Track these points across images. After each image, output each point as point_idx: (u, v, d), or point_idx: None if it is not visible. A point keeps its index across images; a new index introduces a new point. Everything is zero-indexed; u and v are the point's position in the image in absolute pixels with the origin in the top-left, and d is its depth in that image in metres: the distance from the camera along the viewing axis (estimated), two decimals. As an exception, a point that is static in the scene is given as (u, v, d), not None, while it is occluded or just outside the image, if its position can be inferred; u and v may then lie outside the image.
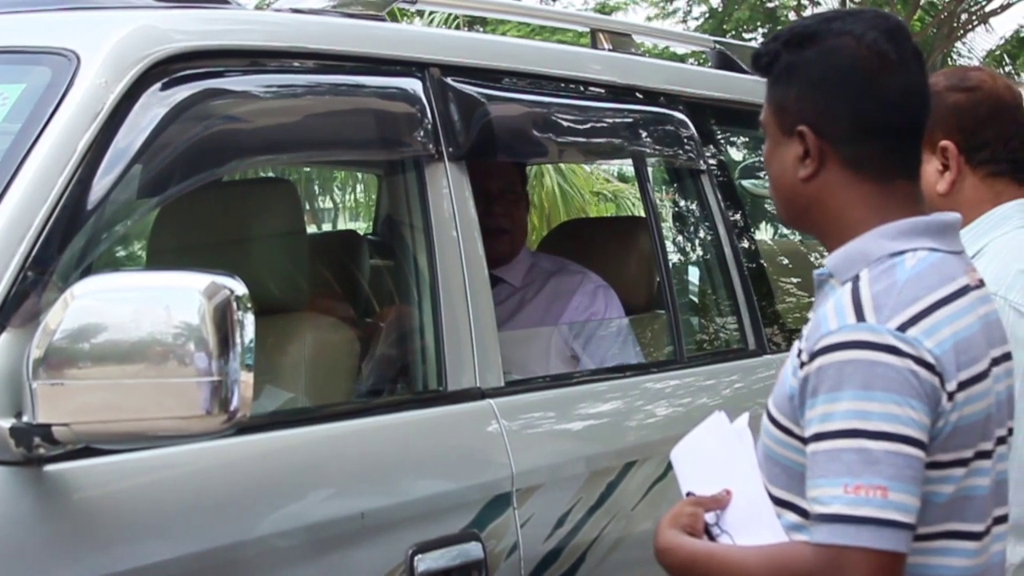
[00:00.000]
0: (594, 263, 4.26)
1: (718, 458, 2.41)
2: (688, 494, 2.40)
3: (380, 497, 2.87)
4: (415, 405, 3.14)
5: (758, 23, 23.62)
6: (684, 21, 24.69)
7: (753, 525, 2.28)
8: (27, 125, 2.53)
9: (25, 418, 2.25)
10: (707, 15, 24.26)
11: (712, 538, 2.31)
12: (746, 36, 22.78)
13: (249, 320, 2.29)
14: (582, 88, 3.84)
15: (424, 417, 3.09)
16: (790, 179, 2.28)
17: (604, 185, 15.01)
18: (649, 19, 24.53)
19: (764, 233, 5.76)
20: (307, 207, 11.90)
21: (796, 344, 2.24)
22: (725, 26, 23.18)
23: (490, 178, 4.04)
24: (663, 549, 2.31)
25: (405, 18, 12.08)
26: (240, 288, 2.28)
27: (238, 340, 2.27)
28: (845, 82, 2.23)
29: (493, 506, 3.07)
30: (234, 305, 2.26)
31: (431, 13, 13.11)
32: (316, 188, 12.02)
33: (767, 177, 2.37)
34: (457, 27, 12.70)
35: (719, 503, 2.33)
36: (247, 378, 2.28)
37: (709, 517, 2.32)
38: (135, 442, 2.36)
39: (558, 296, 4.15)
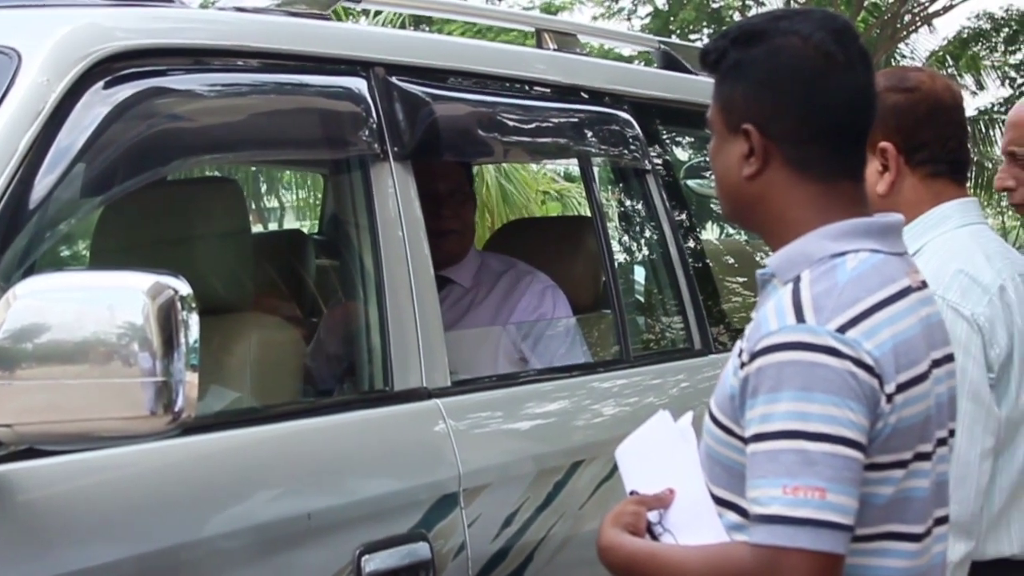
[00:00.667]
0: (540, 263, 4.27)
1: (662, 457, 2.41)
2: (632, 492, 2.40)
3: (327, 497, 2.86)
4: (361, 405, 3.13)
5: (703, 24, 23.71)
6: (629, 20, 24.75)
7: (695, 525, 2.28)
8: None
9: (-33, 419, 2.23)
10: (652, 15, 24.32)
11: (655, 537, 2.31)
12: (692, 37, 22.86)
13: (194, 320, 2.28)
14: (527, 88, 3.84)
15: (370, 417, 3.08)
16: (734, 177, 2.29)
17: (550, 184, 15.04)
18: (595, 19, 24.57)
19: (710, 233, 5.78)
20: (253, 207, 11.85)
21: (738, 344, 2.24)
22: (671, 26, 23.26)
23: (438, 179, 4.04)
24: (605, 547, 2.31)
25: (350, 17, 12.05)
26: (184, 288, 2.27)
27: (182, 340, 2.25)
28: (791, 82, 2.23)
29: (440, 506, 3.06)
30: (178, 305, 2.25)
31: (376, 13, 13.09)
32: (262, 187, 11.97)
33: (712, 175, 2.37)
34: (403, 27, 12.67)
35: (662, 502, 2.33)
36: (192, 378, 2.27)
37: (652, 516, 2.33)
38: (79, 443, 2.33)
39: (507, 296, 4.15)
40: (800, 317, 2.13)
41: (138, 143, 2.73)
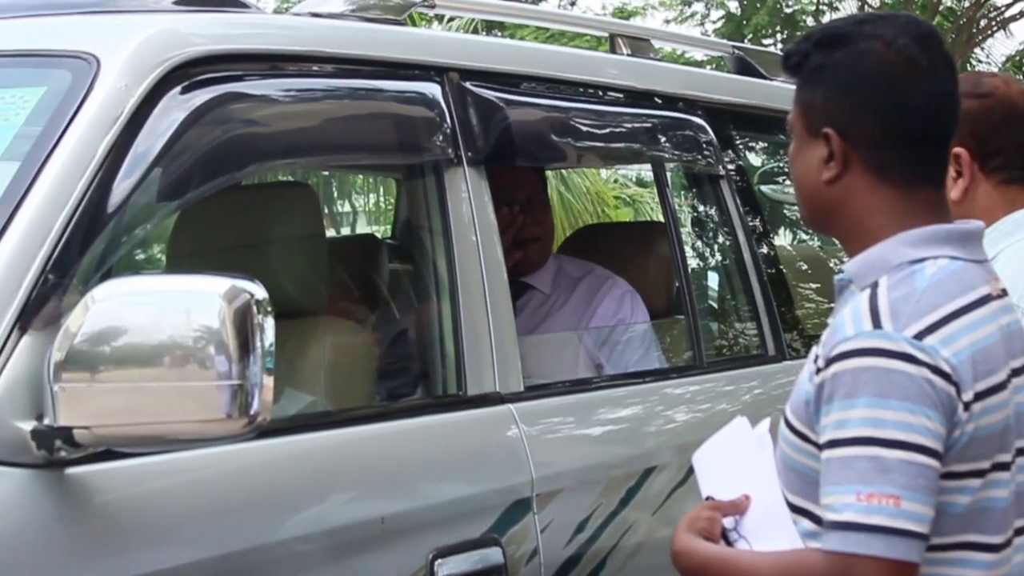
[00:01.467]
0: (613, 268, 4.25)
1: (738, 463, 2.40)
2: (708, 498, 2.39)
3: (400, 501, 2.87)
4: (435, 409, 3.13)
5: (776, 28, 23.57)
6: (702, 25, 24.65)
7: (770, 531, 2.27)
8: (47, 128, 2.53)
9: (46, 421, 2.24)
10: (725, 19, 24.21)
11: (730, 543, 2.30)
12: (764, 41, 22.73)
13: (269, 324, 2.29)
14: (600, 93, 3.84)
15: (444, 421, 3.09)
16: (813, 181, 2.27)
17: (622, 189, 15.01)
18: (667, 23, 24.49)
19: (784, 238, 5.75)
20: (326, 211, 11.90)
21: (814, 349, 2.22)
22: (743, 30, 23.13)
23: (516, 188, 4.04)
24: (679, 553, 2.30)
25: (423, 22, 12.09)
26: (260, 292, 2.28)
27: (258, 344, 2.26)
28: (872, 86, 2.22)
29: (513, 511, 3.06)
30: (254, 309, 2.26)
31: (450, 18, 13.12)
32: (335, 192, 12.03)
33: (791, 179, 2.36)
34: (475, 32, 12.69)
35: (738, 508, 2.32)
36: (267, 382, 2.27)
37: (727, 522, 2.31)
38: (155, 445, 2.35)
39: (586, 302, 4.15)
40: (877, 323, 2.11)
41: (214, 148, 2.75)
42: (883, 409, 2.06)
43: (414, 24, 4.00)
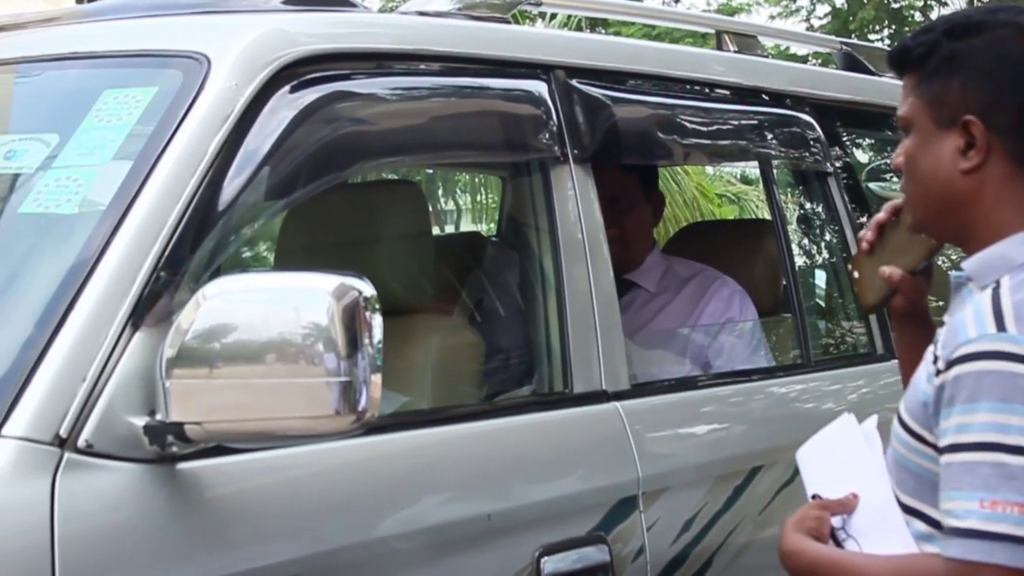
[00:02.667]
0: (719, 266, 4.23)
1: (845, 461, 2.37)
2: (814, 496, 2.36)
3: (506, 499, 2.87)
4: (541, 407, 3.13)
5: (883, 23, 23.31)
6: (807, 21, 24.42)
7: (880, 532, 2.23)
8: (159, 127, 2.56)
9: (158, 416, 2.27)
10: (831, 15, 23.97)
11: (838, 543, 2.27)
12: (871, 36, 22.47)
13: (377, 321, 2.30)
14: (706, 90, 3.81)
15: (550, 419, 3.08)
16: (947, 173, 2.22)
17: (727, 187, 14.90)
18: (772, 18, 24.30)
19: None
20: (431, 209, 11.92)
21: (931, 349, 2.18)
22: (849, 26, 22.88)
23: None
24: (788, 553, 2.28)
25: (527, 20, 12.09)
26: (368, 289, 2.29)
27: (366, 341, 2.27)
28: (1015, 71, 2.18)
29: (619, 509, 3.06)
30: (363, 306, 2.27)
31: (552, 16, 13.11)
32: (439, 190, 12.07)
33: (905, 175, 2.31)
34: (579, 29, 12.67)
35: (846, 507, 2.29)
36: (376, 379, 2.28)
37: (835, 521, 2.29)
38: (265, 441, 2.38)
39: (695, 301, 4.12)
40: (1001, 326, 2.06)
41: (321, 146, 2.77)
42: (1007, 414, 2.02)
43: (518, 22, 4.01)
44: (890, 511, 2.23)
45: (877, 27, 23.34)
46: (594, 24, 15.33)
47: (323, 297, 2.27)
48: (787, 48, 14.11)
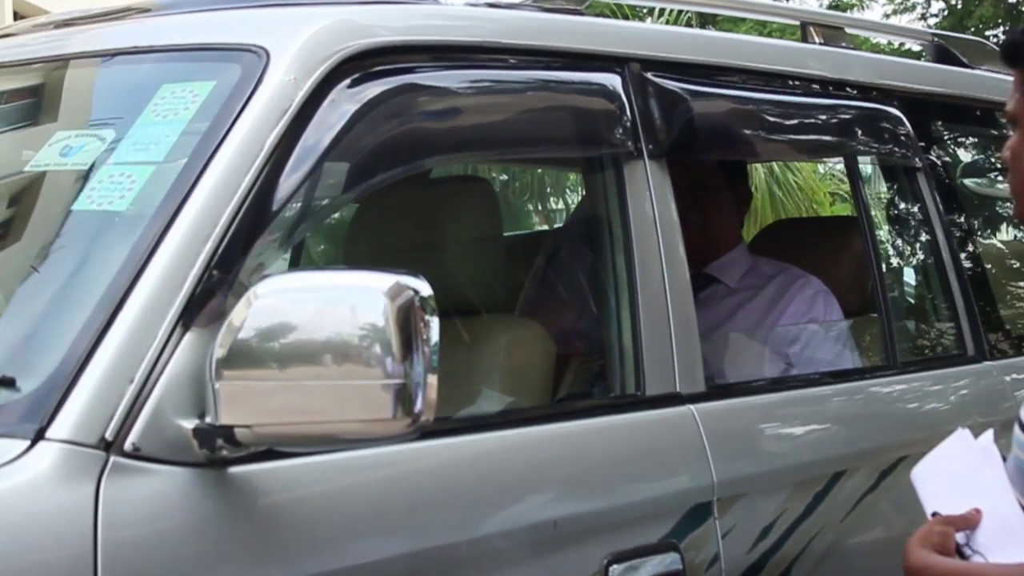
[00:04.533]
0: (805, 264, 4.11)
1: (965, 476, 2.30)
2: (934, 514, 2.28)
3: (575, 504, 2.79)
4: (613, 410, 3.03)
5: (999, 20, 22.89)
6: (923, 19, 24.04)
7: (1007, 543, 2.18)
8: (215, 123, 2.50)
9: (208, 419, 2.20)
10: (946, 12, 23.58)
11: (964, 559, 2.20)
12: (988, 33, 22.07)
13: (434, 322, 2.22)
14: (788, 82, 3.70)
15: (622, 422, 2.99)
16: None
17: (838, 185, 14.70)
18: (886, 16, 23.95)
19: (999, 234, 5.49)
20: (539, 207, 11.92)
21: None
22: (966, 22, 22.48)
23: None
24: (915, 568, 2.20)
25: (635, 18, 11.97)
26: (425, 288, 2.21)
27: (422, 342, 2.20)
28: None
29: (693, 516, 2.96)
30: (418, 306, 2.19)
31: (661, 12, 12.94)
32: (548, 189, 12.00)
33: (1009, 172, 2.21)
34: (689, 26, 12.53)
35: (969, 523, 2.22)
36: (432, 381, 2.21)
37: (959, 537, 2.22)
38: (318, 445, 2.30)
39: (776, 301, 4.00)
40: None
41: (383, 142, 2.69)
42: None
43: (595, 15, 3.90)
44: (1016, 522, 2.17)
45: (994, 24, 22.94)
46: (704, 21, 15.17)
47: (378, 297, 2.19)
48: (901, 45, 13.83)
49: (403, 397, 2.19)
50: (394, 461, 2.50)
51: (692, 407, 3.07)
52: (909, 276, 4.35)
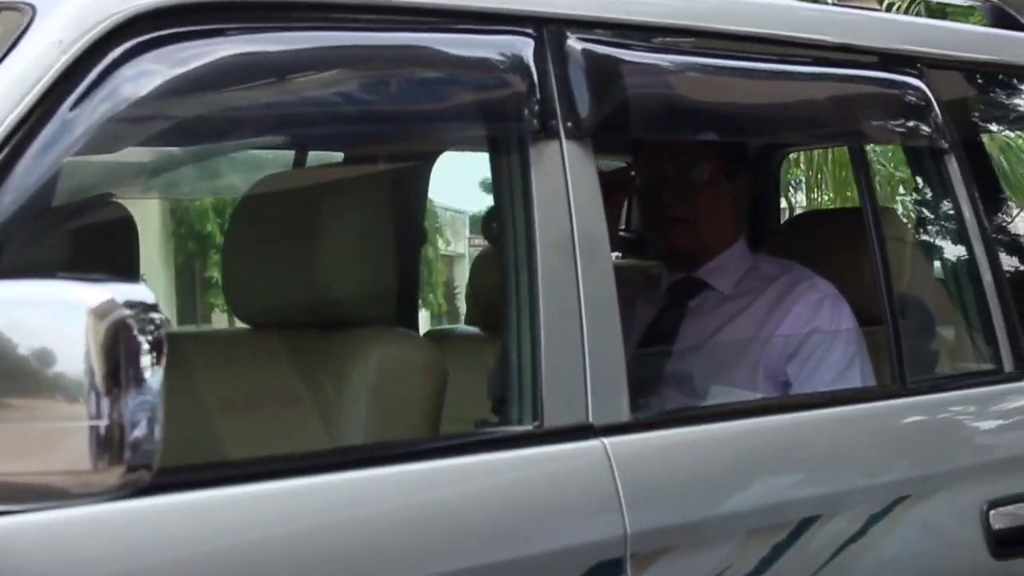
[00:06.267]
0: (823, 263, 3.50)
1: None
2: None
3: (445, 563, 2.27)
4: (494, 446, 2.47)
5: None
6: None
7: None
8: None
9: None
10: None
11: None
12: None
13: (154, 346, 1.72)
14: (775, 49, 3.07)
15: (503, 461, 2.44)
16: None
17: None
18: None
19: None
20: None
21: None
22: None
23: (666, 160, 3.37)
24: None
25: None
26: (146, 301, 1.71)
27: (138, 372, 1.70)
28: None
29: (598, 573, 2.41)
30: (133, 325, 1.70)
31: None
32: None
33: None
34: None
35: None
36: (149, 422, 1.71)
37: None
38: (14, 502, 1.80)
39: (775, 306, 3.39)
40: None
41: (172, 126, 2.20)
42: None
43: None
44: None
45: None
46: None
47: (78, 314, 1.70)
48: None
49: (110, 443, 1.69)
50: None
51: (605, 440, 2.51)
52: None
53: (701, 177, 3.39)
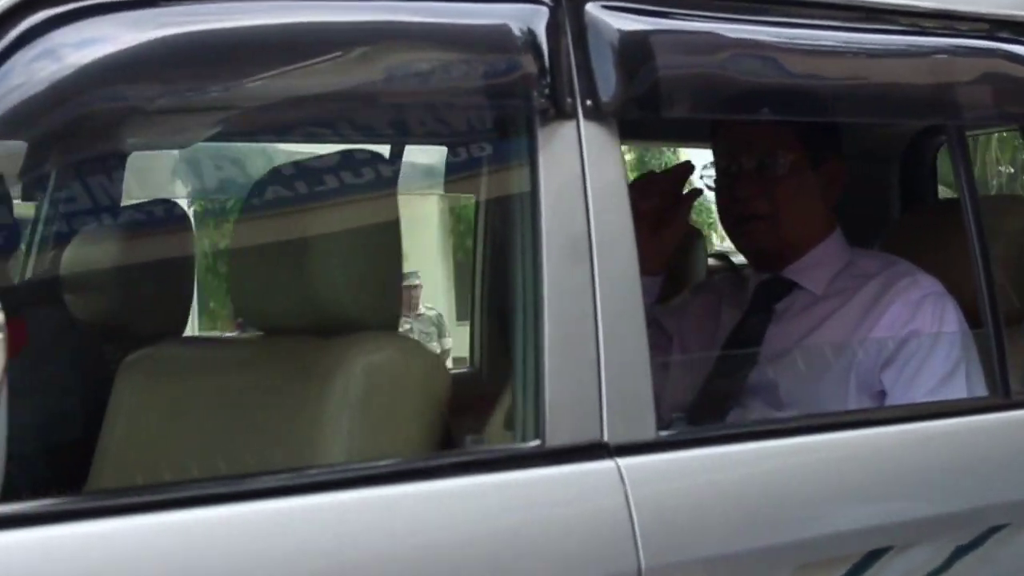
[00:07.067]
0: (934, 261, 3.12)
1: None
2: None
3: None
4: (487, 468, 2.16)
5: None
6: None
7: None
8: None
9: None
10: None
11: None
12: None
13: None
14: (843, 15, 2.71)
15: (495, 484, 2.14)
16: None
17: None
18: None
19: None
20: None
21: None
22: None
23: (740, 151, 3.03)
24: None
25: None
26: None
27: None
28: None
29: None
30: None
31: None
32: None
33: None
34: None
35: None
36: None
37: None
38: None
39: (871, 307, 3.02)
40: None
41: (86, 112, 1.94)
42: None
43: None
44: None
45: None
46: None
47: None
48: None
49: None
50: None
51: (620, 461, 2.21)
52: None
53: (778, 167, 3.04)
